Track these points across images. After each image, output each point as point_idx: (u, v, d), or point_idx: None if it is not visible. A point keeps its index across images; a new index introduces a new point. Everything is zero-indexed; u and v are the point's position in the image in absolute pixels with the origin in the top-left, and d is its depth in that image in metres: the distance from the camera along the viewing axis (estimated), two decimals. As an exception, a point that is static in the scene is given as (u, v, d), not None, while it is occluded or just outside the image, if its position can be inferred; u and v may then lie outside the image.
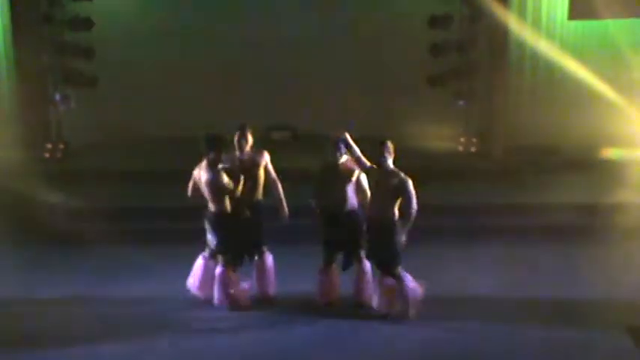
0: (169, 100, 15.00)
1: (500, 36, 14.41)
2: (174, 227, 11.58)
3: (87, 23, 14.24)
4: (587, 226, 11.50)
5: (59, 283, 10.13)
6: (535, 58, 14.45)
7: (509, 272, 10.32)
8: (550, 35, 14.41)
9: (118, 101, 15.16)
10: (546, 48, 14.23)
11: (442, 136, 14.72)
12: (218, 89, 15.43)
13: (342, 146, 9.08)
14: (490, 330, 8.78)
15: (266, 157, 9.38)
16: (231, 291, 9.19)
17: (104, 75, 14.61)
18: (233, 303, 9.22)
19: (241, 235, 9.18)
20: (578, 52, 14.28)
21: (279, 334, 8.79)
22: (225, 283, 9.19)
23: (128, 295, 9.78)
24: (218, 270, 9.23)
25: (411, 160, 13.07)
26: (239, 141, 9.26)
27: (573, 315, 9.12)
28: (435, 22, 14.41)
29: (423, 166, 11.96)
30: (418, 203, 8.67)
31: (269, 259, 9.49)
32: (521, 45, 14.55)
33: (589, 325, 8.82)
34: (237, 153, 9.30)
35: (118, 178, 13.06)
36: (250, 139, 9.31)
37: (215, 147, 8.99)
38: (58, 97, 14.25)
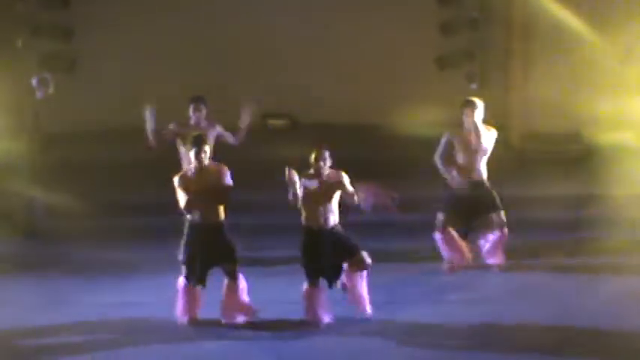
0: (153, 86, 14.18)
1: (517, 11, 13.88)
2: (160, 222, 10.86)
3: (64, 1, 13.61)
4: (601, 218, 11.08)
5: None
6: (557, 35, 13.59)
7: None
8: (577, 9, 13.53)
9: (99, 87, 14.51)
10: (572, 24, 13.33)
11: (452, 123, 13.95)
12: (210, 75, 14.86)
13: (327, 156, 8.26)
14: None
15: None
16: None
17: (84, 58, 13.97)
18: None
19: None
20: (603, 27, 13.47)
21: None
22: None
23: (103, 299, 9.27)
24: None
25: (418, 148, 12.71)
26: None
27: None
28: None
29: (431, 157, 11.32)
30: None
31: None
32: (542, 21, 13.70)
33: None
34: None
35: (98, 170, 12.65)
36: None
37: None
38: (34, 81, 13.46)
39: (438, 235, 9.80)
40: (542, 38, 13.75)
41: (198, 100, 9.85)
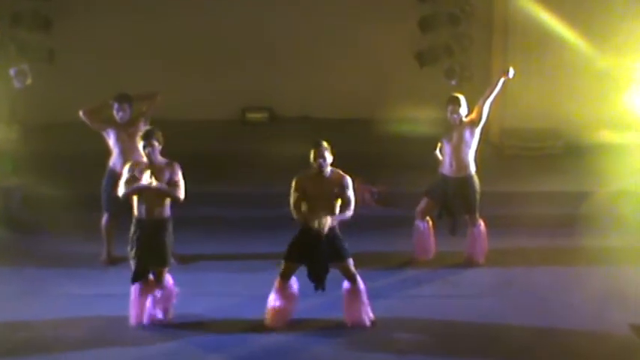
0: (135, 78, 13.95)
1: (498, 7, 13.71)
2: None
3: None
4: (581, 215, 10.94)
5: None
6: (538, 31, 13.39)
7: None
8: (558, 6, 13.36)
9: (78, 78, 14.17)
10: (552, 20, 13.20)
11: (432, 120, 13.85)
12: (189, 67, 14.73)
13: (327, 153, 8.02)
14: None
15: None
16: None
17: (63, 49, 13.78)
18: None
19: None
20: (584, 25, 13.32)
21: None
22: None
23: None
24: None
25: (399, 145, 12.65)
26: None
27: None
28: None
29: (412, 152, 11.68)
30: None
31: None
32: (522, 17, 13.49)
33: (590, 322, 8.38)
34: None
35: (77, 162, 12.23)
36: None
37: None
38: (12, 71, 13.25)
39: (416, 222, 9.81)
40: (523, 34, 13.44)
41: (122, 99, 9.51)
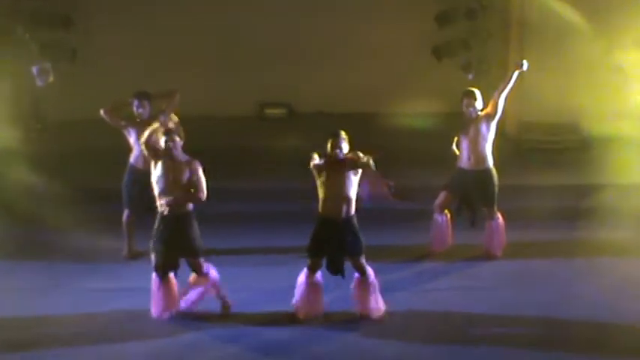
0: (155, 76, 14.02)
1: (514, 1, 13.64)
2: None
3: None
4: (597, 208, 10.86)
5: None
6: (554, 25, 13.32)
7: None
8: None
9: (99, 76, 14.22)
10: (568, 14, 13.15)
11: (449, 114, 13.82)
12: (209, 64, 14.83)
13: (343, 143, 8.08)
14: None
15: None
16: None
17: (85, 47, 13.89)
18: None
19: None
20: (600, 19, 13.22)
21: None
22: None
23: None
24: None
25: (416, 139, 12.61)
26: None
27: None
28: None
29: (428, 146, 11.61)
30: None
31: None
32: (539, 11, 13.46)
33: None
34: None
35: (97, 158, 12.28)
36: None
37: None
38: (35, 70, 13.31)
39: (434, 215, 9.86)
40: (539, 28, 13.41)
41: (141, 97, 9.58)
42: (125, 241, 9.87)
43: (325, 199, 8.10)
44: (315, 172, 8.10)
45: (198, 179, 8.16)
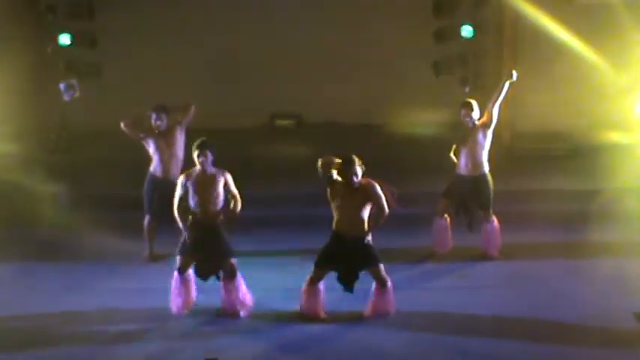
0: (172, 90, 14.01)
1: (508, 20, 13.62)
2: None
3: (89, 12, 13.61)
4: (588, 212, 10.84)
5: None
6: (545, 41, 13.32)
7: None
8: (559, 17, 13.27)
9: (120, 91, 14.27)
10: (556, 31, 13.12)
11: (447, 124, 13.79)
12: (222, 77, 14.79)
13: (358, 170, 7.96)
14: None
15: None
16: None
17: (108, 65, 13.90)
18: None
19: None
20: (586, 34, 13.22)
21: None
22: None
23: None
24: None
25: (415, 148, 12.57)
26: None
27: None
28: (439, 8, 13.58)
29: (428, 155, 11.59)
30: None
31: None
32: (530, 29, 13.45)
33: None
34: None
35: (119, 167, 12.23)
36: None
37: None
38: (62, 86, 13.27)
39: (435, 219, 9.86)
40: (530, 45, 13.50)
41: (159, 110, 9.60)
42: (146, 245, 9.86)
43: (339, 221, 8.04)
44: (329, 198, 8.03)
45: (234, 190, 8.28)
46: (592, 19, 13.30)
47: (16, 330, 8.02)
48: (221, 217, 8.24)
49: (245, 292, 8.28)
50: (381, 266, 8.12)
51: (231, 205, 8.30)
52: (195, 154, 8.20)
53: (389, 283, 8.17)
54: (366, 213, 8.03)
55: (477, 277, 9.35)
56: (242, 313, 8.23)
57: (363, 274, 8.20)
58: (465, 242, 9.90)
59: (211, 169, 8.23)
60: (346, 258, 8.04)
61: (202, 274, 8.31)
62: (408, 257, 9.84)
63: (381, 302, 8.19)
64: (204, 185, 8.18)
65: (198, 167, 8.22)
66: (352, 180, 7.90)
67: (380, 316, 8.17)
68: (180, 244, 8.31)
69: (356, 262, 8.07)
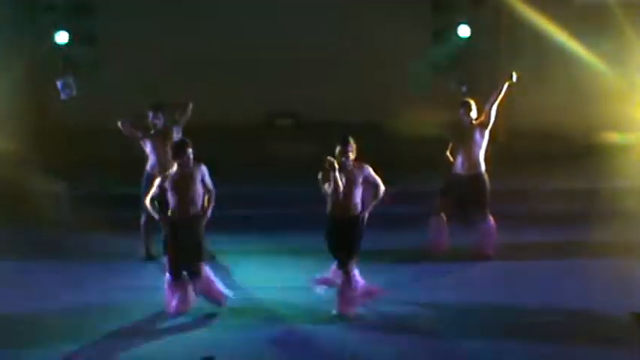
0: (170, 88, 13.99)
1: (505, 20, 13.72)
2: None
3: (89, 10, 13.83)
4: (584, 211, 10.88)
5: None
6: (543, 41, 13.38)
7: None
8: (555, 17, 13.30)
9: (118, 89, 14.04)
10: (552, 31, 13.15)
11: (445, 123, 13.83)
12: (220, 76, 14.69)
13: (351, 150, 8.05)
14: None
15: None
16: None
17: (105, 62, 13.97)
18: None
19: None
20: (582, 33, 13.26)
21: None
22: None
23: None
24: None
25: (412, 146, 12.57)
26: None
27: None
28: (438, 7, 13.82)
29: (424, 153, 11.40)
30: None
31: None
32: (526, 28, 13.49)
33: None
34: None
35: (116, 165, 12.26)
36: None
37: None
38: (59, 84, 13.26)
39: (432, 218, 9.87)
40: (526, 45, 13.59)
41: (156, 108, 9.63)
42: (143, 244, 9.84)
43: (333, 204, 8.06)
44: (321, 181, 8.04)
45: (209, 183, 8.26)
46: (590, 20, 13.34)
47: (15, 328, 8.02)
48: (202, 217, 8.22)
49: (217, 289, 8.28)
50: (353, 261, 8.10)
51: (206, 199, 8.27)
52: (173, 156, 8.13)
53: (354, 274, 8.13)
54: (359, 194, 8.06)
55: (472, 277, 9.35)
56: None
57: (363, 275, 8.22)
58: (461, 242, 9.89)
59: (191, 166, 8.19)
60: (342, 235, 8.07)
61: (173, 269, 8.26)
62: (404, 256, 9.84)
63: (345, 295, 8.11)
64: (182, 183, 8.12)
65: (175, 167, 8.18)
66: (344, 160, 7.95)
67: (345, 310, 8.09)
68: (162, 244, 8.37)
69: (349, 239, 8.09)
